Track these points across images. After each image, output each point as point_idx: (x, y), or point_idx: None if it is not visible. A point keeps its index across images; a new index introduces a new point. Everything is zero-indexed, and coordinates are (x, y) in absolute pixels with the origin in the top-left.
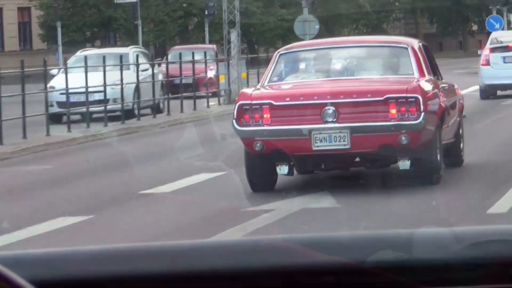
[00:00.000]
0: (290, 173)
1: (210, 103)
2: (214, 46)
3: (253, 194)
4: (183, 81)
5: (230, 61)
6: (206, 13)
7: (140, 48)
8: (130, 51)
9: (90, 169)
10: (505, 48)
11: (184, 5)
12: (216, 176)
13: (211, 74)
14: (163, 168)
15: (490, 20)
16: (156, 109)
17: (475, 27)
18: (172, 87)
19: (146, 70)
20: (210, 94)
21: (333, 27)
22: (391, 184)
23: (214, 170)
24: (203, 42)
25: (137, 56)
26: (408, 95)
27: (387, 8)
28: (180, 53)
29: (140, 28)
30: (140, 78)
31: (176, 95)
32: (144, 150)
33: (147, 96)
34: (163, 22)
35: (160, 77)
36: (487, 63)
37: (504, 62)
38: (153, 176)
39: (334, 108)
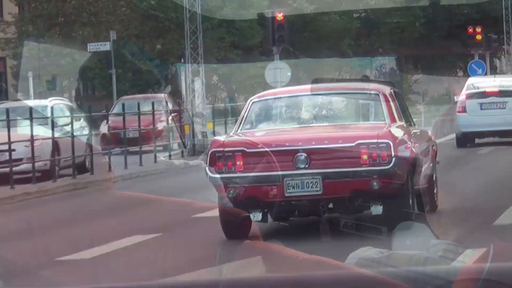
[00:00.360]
0: (264, 219)
1: (172, 155)
2: (165, 95)
3: (180, 259)
4: (130, 134)
5: (194, 112)
6: (182, 61)
7: (61, 99)
8: (49, 104)
9: (19, 230)
10: (482, 94)
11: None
12: (150, 239)
13: (161, 126)
14: (97, 229)
15: (472, 65)
16: (79, 168)
17: (460, 73)
18: (129, 140)
19: (67, 125)
20: (161, 148)
21: (315, 74)
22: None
23: (148, 232)
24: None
25: (59, 109)
26: (379, 140)
27: (370, 55)
28: (138, 103)
29: (114, 77)
30: (59, 133)
31: (132, 146)
32: (85, 207)
33: (68, 153)
34: (140, 71)
35: (105, 130)
36: (464, 110)
37: (481, 109)
38: (83, 237)
39: (306, 155)
